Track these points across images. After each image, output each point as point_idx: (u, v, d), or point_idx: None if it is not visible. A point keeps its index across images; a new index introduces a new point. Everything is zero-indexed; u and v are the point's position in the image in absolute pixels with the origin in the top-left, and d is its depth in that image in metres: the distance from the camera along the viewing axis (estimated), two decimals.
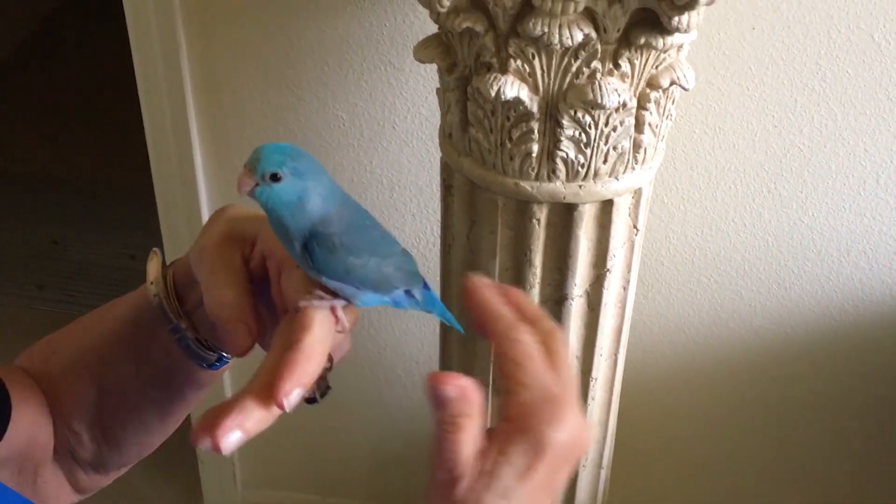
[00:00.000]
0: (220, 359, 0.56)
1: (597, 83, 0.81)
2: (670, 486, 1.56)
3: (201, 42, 1.21)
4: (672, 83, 0.85)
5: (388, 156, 1.24)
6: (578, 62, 0.81)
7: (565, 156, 0.86)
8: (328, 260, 0.46)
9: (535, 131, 0.85)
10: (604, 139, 0.86)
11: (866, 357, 1.37)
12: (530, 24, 0.78)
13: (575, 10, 0.77)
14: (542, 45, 0.79)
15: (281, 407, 0.46)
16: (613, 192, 0.90)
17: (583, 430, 0.46)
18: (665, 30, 0.78)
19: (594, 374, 1.05)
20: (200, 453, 1.68)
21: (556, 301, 0.98)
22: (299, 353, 0.46)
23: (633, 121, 0.86)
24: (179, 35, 1.19)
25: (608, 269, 0.96)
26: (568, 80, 0.82)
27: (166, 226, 1.40)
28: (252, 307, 0.50)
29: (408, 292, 0.52)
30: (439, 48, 0.89)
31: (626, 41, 0.80)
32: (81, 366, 0.57)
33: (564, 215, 0.91)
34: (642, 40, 0.79)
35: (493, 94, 0.82)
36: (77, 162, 2.91)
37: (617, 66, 0.82)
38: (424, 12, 1.12)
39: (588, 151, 0.86)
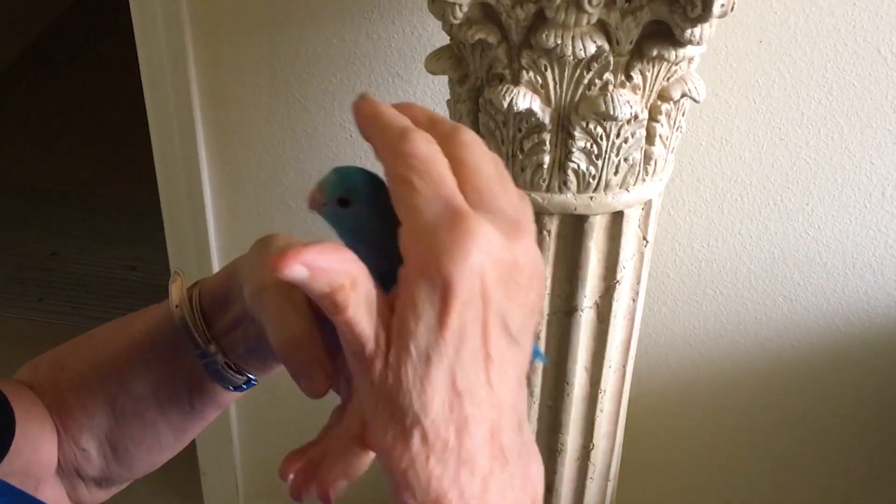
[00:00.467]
0: (249, 381, 0.54)
1: (609, 95, 0.82)
2: (677, 498, 1.56)
3: (209, 53, 1.21)
4: (683, 95, 0.86)
5: None
6: (591, 74, 0.81)
7: (577, 167, 0.86)
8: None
9: (547, 143, 0.85)
10: (615, 151, 0.86)
11: (872, 369, 1.37)
12: (543, 36, 0.78)
13: (588, 22, 0.78)
14: (554, 56, 0.80)
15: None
16: (624, 204, 0.90)
17: (506, 241, 0.37)
18: (678, 42, 0.79)
19: (603, 385, 1.05)
20: (203, 465, 1.67)
21: (565, 312, 0.98)
22: None
23: (644, 133, 0.87)
24: (187, 46, 1.19)
25: (618, 281, 0.96)
26: (580, 91, 0.82)
27: (171, 238, 1.40)
28: (325, 347, 0.45)
29: None
30: (451, 60, 0.89)
31: (639, 53, 0.81)
32: (94, 383, 0.55)
33: (575, 227, 0.92)
34: (655, 52, 0.80)
35: (505, 105, 0.82)
36: (76, 173, 2.91)
37: (629, 77, 0.82)
38: (432, 24, 1.13)
39: (599, 163, 0.86)
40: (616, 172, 0.87)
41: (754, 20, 1.08)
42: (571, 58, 0.79)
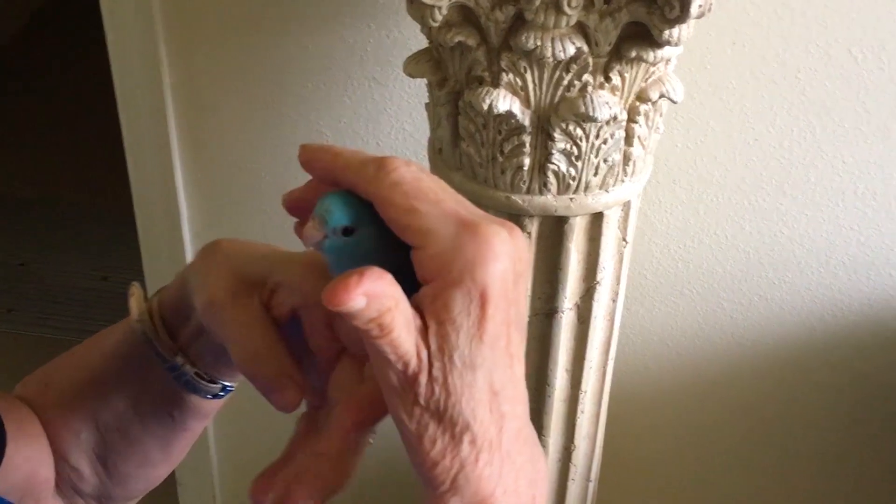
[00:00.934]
0: (224, 388, 0.53)
1: (588, 96, 0.82)
2: (657, 498, 1.57)
3: (183, 61, 1.20)
4: (661, 96, 0.86)
5: None
6: (570, 75, 0.81)
7: (557, 169, 0.87)
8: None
9: (527, 145, 0.86)
10: (594, 152, 0.86)
11: (846, 365, 1.38)
12: (523, 38, 0.79)
13: (567, 24, 0.78)
14: (534, 58, 0.80)
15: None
16: (604, 205, 0.91)
17: (512, 240, 0.38)
18: (656, 43, 0.80)
19: (584, 386, 1.05)
20: (179, 475, 1.66)
21: (546, 314, 0.98)
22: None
23: (623, 134, 0.87)
24: (161, 54, 1.18)
25: (598, 282, 0.97)
26: (559, 93, 0.83)
27: (146, 247, 1.39)
28: (291, 356, 0.45)
29: None
30: (430, 63, 0.89)
31: (618, 54, 0.81)
32: (76, 401, 0.54)
33: (555, 228, 0.92)
34: (633, 53, 0.80)
35: (485, 107, 0.82)
36: (45, 181, 2.88)
37: (608, 79, 0.83)
38: (408, 28, 1.13)
39: (579, 164, 0.87)
40: (596, 174, 0.88)
41: (727, 22, 1.09)
42: (551, 59, 0.79)
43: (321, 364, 0.45)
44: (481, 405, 0.38)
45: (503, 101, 0.83)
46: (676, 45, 0.79)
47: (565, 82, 0.82)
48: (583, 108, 0.82)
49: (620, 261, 0.98)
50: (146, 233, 1.37)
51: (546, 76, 0.82)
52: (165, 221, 1.33)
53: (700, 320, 1.35)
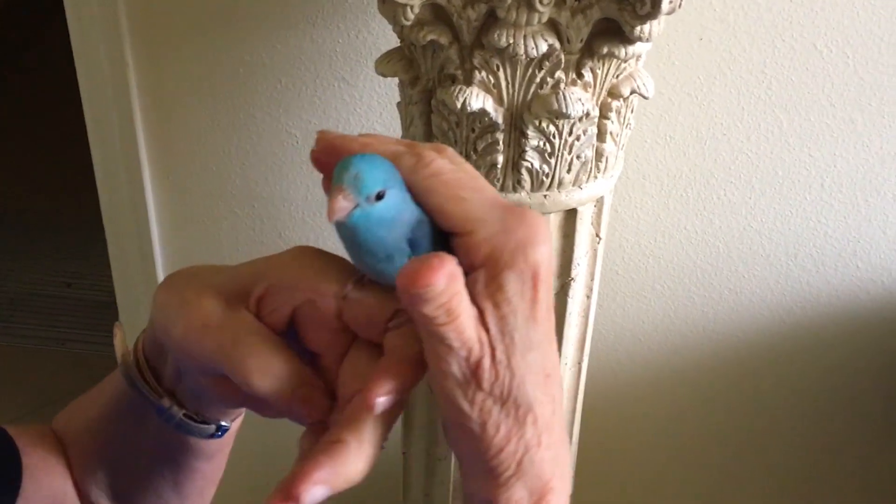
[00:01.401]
0: (220, 427, 0.51)
1: (561, 93, 0.82)
2: (631, 493, 1.58)
3: (150, 63, 1.19)
4: (633, 92, 0.87)
5: None
6: (542, 72, 0.82)
7: (530, 166, 0.87)
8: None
9: (501, 142, 0.86)
10: (567, 149, 0.87)
11: (815, 357, 1.40)
12: (495, 36, 0.79)
13: (539, 21, 0.78)
14: (506, 56, 0.80)
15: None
16: (577, 202, 0.91)
17: (542, 223, 0.39)
18: (627, 39, 0.80)
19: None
20: None
21: None
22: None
23: (595, 130, 0.87)
24: (127, 55, 1.17)
25: (572, 278, 0.97)
26: (532, 90, 0.83)
27: (115, 251, 1.37)
28: (304, 365, 0.43)
29: None
30: (402, 62, 0.89)
31: (589, 51, 0.81)
32: (89, 442, 0.53)
33: None
34: (605, 50, 0.81)
35: (458, 106, 0.82)
36: (5, 187, 2.84)
37: (580, 75, 0.83)
38: (377, 28, 1.13)
39: (552, 161, 0.87)
40: (569, 170, 0.88)
41: (695, 18, 1.10)
42: (523, 57, 0.79)
43: (326, 361, 0.43)
44: (539, 386, 0.39)
45: (476, 99, 0.83)
46: (647, 41, 0.80)
47: (538, 79, 0.82)
48: (556, 105, 0.82)
49: (594, 257, 0.98)
50: (114, 237, 1.36)
51: (519, 73, 0.82)
52: (134, 225, 1.32)
53: (672, 314, 1.36)
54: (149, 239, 1.32)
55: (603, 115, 0.87)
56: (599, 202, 0.94)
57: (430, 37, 0.81)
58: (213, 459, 0.53)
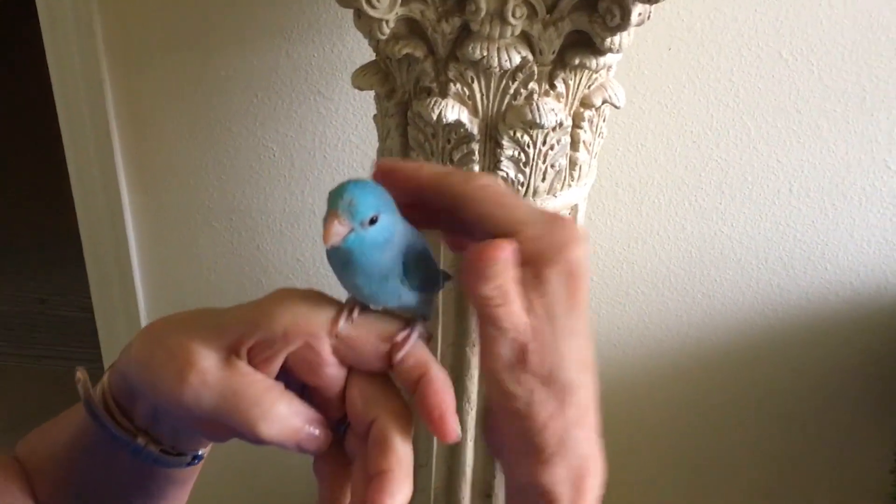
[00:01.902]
0: (196, 457, 0.50)
1: (534, 104, 0.84)
2: (607, 497, 1.59)
3: (126, 76, 1.20)
4: (604, 102, 0.89)
5: (321, 185, 1.25)
6: (516, 84, 0.83)
7: (505, 175, 0.88)
8: (423, 276, 0.44)
9: (476, 153, 0.87)
10: (542, 158, 0.88)
11: (786, 359, 1.43)
12: (469, 49, 0.80)
13: (512, 34, 0.80)
14: (481, 68, 0.82)
15: None
16: (552, 210, 0.93)
17: (578, 228, 0.44)
18: (598, 50, 0.82)
19: None
20: None
21: None
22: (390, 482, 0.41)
23: (568, 139, 0.89)
24: (103, 71, 1.18)
25: None
26: (506, 101, 0.85)
27: (92, 267, 1.37)
28: (305, 403, 0.44)
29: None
30: (378, 75, 0.90)
31: (561, 62, 0.83)
32: (56, 472, 0.51)
33: None
34: (576, 61, 0.83)
35: (434, 117, 0.84)
36: None
37: (553, 86, 0.85)
38: (352, 42, 1.14)
39: (527, 170, 0.89)
40: (544, 179, 0.90)
41: (663, 29, 1.12)
42: (497, 69, 0.81)
43: (328, 394, 0.44)
44: (580, 371, 0.42)
45: (451, 111, 0.84)
46: (618, 52, 0.82)
47: (512, 90, 0.84)
48: (529, 116, 0.84)
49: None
50: (92, 252, 1.36)
51: (493, 85, 0.84)
52: (112, 240, 1.32)
53: (646, 319, 1.38)
54: (127, 253, 1.32)
55: (576, 125, 0.89)
56: (574, 210, 0.96)
57: (406, 50, 0.83)
58: (186, 484, 0.53)
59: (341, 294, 0.44)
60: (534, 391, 0.41)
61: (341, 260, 0.41)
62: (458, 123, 0.85)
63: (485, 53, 0.80)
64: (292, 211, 1.28)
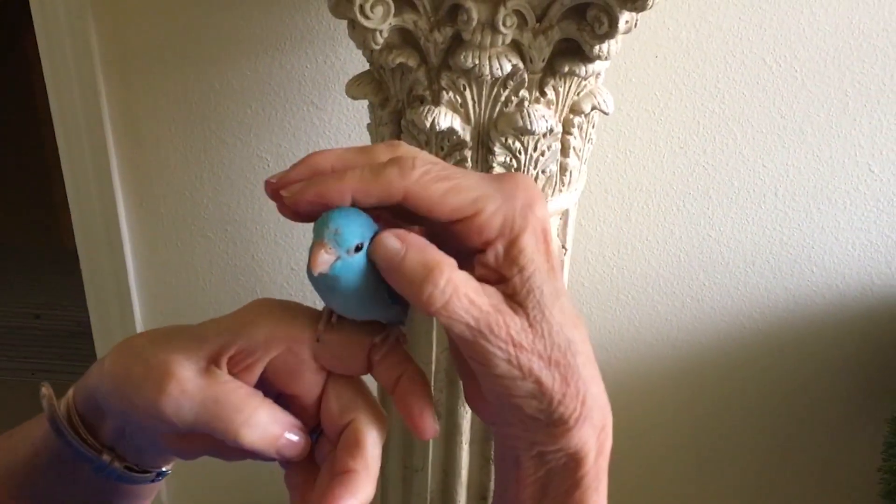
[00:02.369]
0: (160, 474, 0.51)
1: (525, 111, 0.86)
2: None
3: (122, 88, 1.21)
4: (593, 108, 0.91)
5: None
6: (507, 91, 0.85)
7: None
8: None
9: (469, 159, 0.89)
10: (533, 164, 0.90)
11: (774, 361, 1.45)
12: (461, 57, 0.82)
13: (503, 43, 0.82)
14: (472, 76, 0.84)
15: None
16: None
17: (533, 182, 0.43)
18: (587, 58, 0.84)
19: None
20: None
21: None
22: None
23: (559, 145, 0.91)
24: (99, 85, 1.19)
25: None
26: (498, 108, 0.87)
27: (89, 279, 1.39)
28: (284, 411, 0.44)
29: None
30: (371, 84, 0.92)
31: (551, 70, 0.85)
32: (12, 484, 0.50)
33: None
34: (566, 68, 0.85)
35: (427, 125, 0.86)
36: None
37: (543, 93, 0.87)
38: (344, 53, 1.16)
39: None
40: None
41: (649, 37, 1.15)
42: (489, 77, 0.83)
43: (305, 401, 0.45)
44: (576, 328, 0.41)
45: (444, 119, 0.86)
46: (606, 59, 0.84)
47: (503, 98, 0.86)
48: (521, 122, 0.86)
49: (562, 269, 1.02)
50: (89, 264, 1.37)
51: (485, 93, 0.85)
52: (108, 251, 1.33)
53: (636, 324, 1.40)
54: (123, 264, 1.33)
55: (566, 131, 0.91)
56: (565, 215, 0.98)
57: (399, 60, 0.85)
58: (147, 499, 0.53)
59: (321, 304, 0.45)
60: (540, 368, 0.40)
61: (327, 285, 0.42)
62: (451, 131, 0.86)
63: (476, 62, 0.82)
64: (287, 221, 1.27)
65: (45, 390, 0.48)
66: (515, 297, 0.40)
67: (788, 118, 1.22)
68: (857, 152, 1.24)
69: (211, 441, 0.44)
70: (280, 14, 1.14)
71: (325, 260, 0.40)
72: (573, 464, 0.43)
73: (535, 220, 0.41)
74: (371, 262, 0.41)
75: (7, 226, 2.76)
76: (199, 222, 1.31)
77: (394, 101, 0.91)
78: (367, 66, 0.93)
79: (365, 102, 0.97)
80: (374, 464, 0.43)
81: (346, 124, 1.22)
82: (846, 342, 1.41)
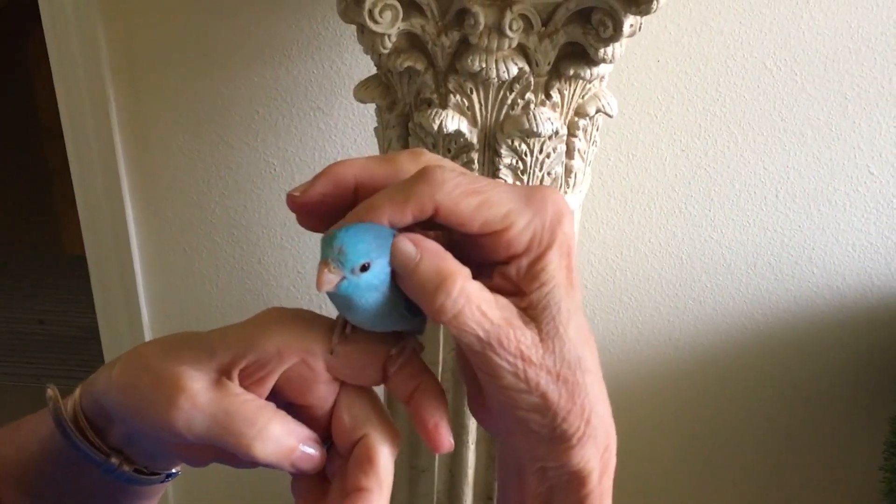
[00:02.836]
0: (169, 475, 0.50)
1: (531, 113, 0.87)
2: None
3: (130, 93, 1.23)
4: (598, 111, 0.92)
5: None
6: (513, 94, 0.87)
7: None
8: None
9: (476, 161, 0.91)
10: (539, 166, 0.92)
11: (775, 362, 1.46)
12: (468, 61, 0.84)
13: (509, 46, 0.84)
14: (479, 79, 0.85)
15: None
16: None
17: (561, 196, 0.42)
18: (591, 61, 0.85)
19: None
20: None
21: None
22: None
23: (564, 148, 0.93)
24: (107, 87, 1.21)
25: None
26: (504, 111, 0.88)
27: (97, 282, 1.40)
28: (298, 423, 0.43)
29: None
30: (379, 88, 0.94)
31: (557, 73, 0.87)
32: (22, 483, 0.50)
33: None
34: (571, 72, 0.86)
35: (435, 128, 0.87)
36: None
37: (548, 96, 0.88)
38: (350, 59, 1.18)
39: (525, 178, 0.92)
40: None
41: (651, 41, 1.16)
42: (495, 80, 0.84)
43: (318, 412, 0.44)
44: (587, 345, 0.41)
45: (452, 121, 0.87)
46: (611, 62, 0.85)
47: (509, 101, 0.87)
48: (527, 125, 0.87)
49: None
50: (97, 268, 1.38)
51: (491, 96, 0.87)
52: (116, 256, 1.35)
53: (639, 325, 1.41)
54: (131, 268, 1.35)
55: (571, 134, 0.92)
56: None
57: (407, 63, 0.86)
58: (154, 497, 0.53)
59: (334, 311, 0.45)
60: (546, 382, 0.40)
61: (342, 303, 0.41)
62: (458, 133, 0.88)
63: (483, 65, 0.84)
64: (293, 225, 1.30)
65: (51, 392, 0.47)
66: (531, 311, 0.40)
67: (789, 121, 1.23)
68: (856, 154, 1.26)
69: (221, 450, 0.43)
70: (287, 20, 1.16)
71: (329, 279, 0.39)
72: (576, 482, 0.42)
73: (563, 236, 0.40)
74: (385, 281, 0.40)
75: (10, 232, 2.78)
76: (206, 226, 1.32)
77: (401, 104, 0.92)
78: (373, 71, 0.94)
79: (371, 107, 0.98)
80: (387, 481, 0.42)
81: (353, 129, 1.23)
82: (847, 342, 1.43)
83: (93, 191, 1.30)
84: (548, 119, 0.88)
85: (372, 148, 1.02)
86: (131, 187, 1.30)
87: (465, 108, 0.88)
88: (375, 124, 0.99)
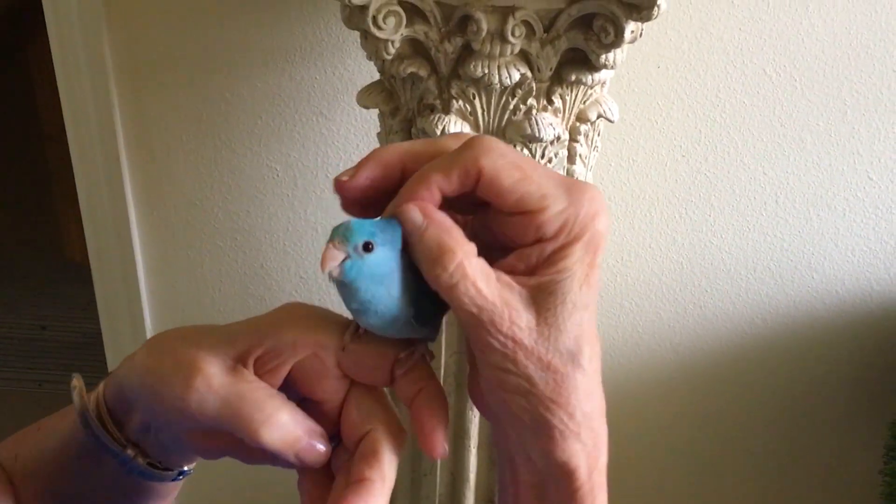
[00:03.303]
0: (182, 472, 0.51)
1: (533, 118, 0.88)
2: None
3: (134, 99, 1.24)
4: (599, 116, 0.93)
5: (323, 203, 1.29)
6: (516, 100, 0.88)
7: None
8: (433, 311, 0.44)
9: None
10: None
11: (775, 366, 1.46)
12: (471, 67, 0.85)
13: (511, 53, 0.84)
14: (482, 85, 0.86)
15: None
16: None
17: (601, 195, 0.42)
18: (593, 67, 0.86)
19: None
20: None
21: None
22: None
23: (565, 153, 0.93)
24: (112, 93, 1.22)
25: None
26: (506, 116, 0.89)
27: (101, 288, 1.40)
28: (307, 415, 0.45)
29: None
30: (382, 94, 0.94)
31: (559, 79, 0.88)
32: (40, 479, 0.52)
33: None
34: (573, 77, 0.87)
35: (438, 133, 0.88)
36: None
37: (550, 102, 0.89)
38: (352, 64, 1.19)
39: None
40: None
41: (652, 48, 1.17)
42: (498, 86, 0.85)
43: (327, 407, 0.45)
44: (588, 343, 0.41)
45: (454, 126, 0.88)
46: (612, 68, 0.86)
47: (511, 106, 0.88)
48: (529, 130, 0.88)
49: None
50: (101, 273, 1.39)
51: (494, 101, 0.88)
52: (120, 261, 1.35)
53: (640, 330, 1.42)
54: (134, 273, 1.35)
55: (572, 139, 0.93)
56: None
57: (410, 69, 0.87)
58: (167, 498, 0.54)
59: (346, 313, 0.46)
60: (535, 370, 0.40)
61: (348, 294, 0.42)
62: None
63: (486, 71, 0.84)
64: (295, 230, 1.32)
65: (77, 382, 0.49)
66: (535, 294, 0.40)
67: (788, 127, 1.24)
68: (855, 160, 1.27)
69: (233, 441, 0.44)
70: (290, 26, 1.17)
71: (332, 256, 0.40)
72: (565, 477, 0.42)
73: (594, 232, 0.41)
74: (389, 273, 0.41)
75: (11, 238, 2.78)
76: (209, 231, 1.33)
77: (404, 109, 0.93)
78: (376, 77, 0.95)
79: (373, 112, 0.99)
80: (389, 474, 0.43)
81: (355, 134, 1.24)
82: (846, 347, 1.43)
83: (96, 196, 1.30)
84: (549, 124, 0.88)
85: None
86: (134, 192, 1.30)
87: (468, 114, 0.89)
88: (378, 130, 1.00)
